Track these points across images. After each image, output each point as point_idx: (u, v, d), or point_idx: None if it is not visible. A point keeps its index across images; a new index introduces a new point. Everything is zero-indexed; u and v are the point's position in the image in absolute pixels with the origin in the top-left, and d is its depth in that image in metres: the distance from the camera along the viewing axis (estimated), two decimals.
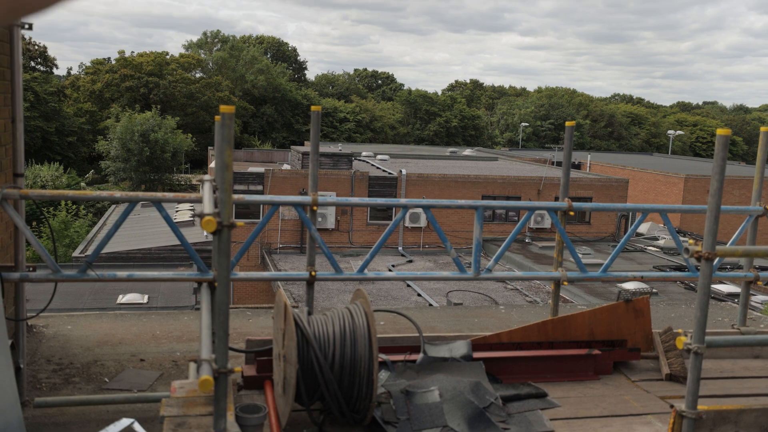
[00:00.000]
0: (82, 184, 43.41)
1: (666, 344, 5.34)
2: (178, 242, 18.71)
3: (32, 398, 5.01)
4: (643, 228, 28.01)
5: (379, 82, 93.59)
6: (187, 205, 26.45)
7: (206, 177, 5.31)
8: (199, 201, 5.22)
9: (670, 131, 67.85)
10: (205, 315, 4.67)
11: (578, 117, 78.01)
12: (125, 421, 4.84)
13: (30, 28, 5.17)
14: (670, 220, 5.97)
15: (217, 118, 5.34)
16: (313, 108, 5.71)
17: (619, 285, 17.57)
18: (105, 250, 17.35)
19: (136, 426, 4.83)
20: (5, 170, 5.06)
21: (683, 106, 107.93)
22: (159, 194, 5.20)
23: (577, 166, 40.39)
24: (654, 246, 25.81)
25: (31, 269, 5.06)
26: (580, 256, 21.81)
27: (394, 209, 25.06)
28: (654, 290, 17.78)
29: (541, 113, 79.65)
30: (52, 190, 5.08)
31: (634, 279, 6.51)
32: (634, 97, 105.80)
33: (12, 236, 5.17)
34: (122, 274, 5.12)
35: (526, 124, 74.49)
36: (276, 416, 4.42)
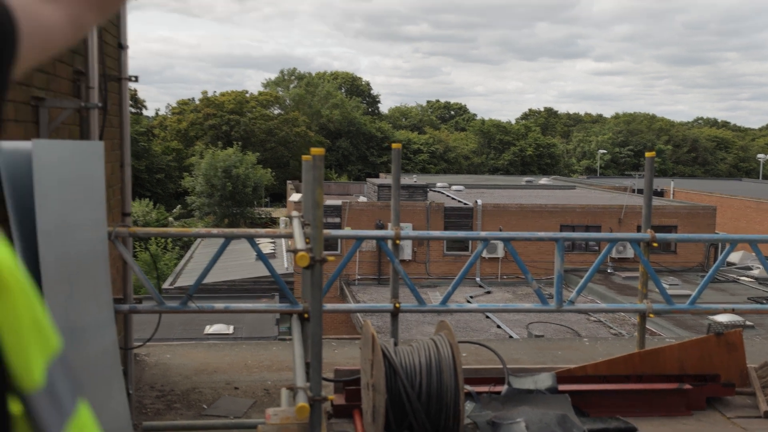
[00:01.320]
0: (170, 218, 45.12)
1: (763, 380, 5.20)
2: (259, 274, 18.96)
3: (140, 422, 5.35)
4: (735, 257, 26.85)
5: (452, 113, 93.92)
6: (264, 239, 27.15)
7: (294, 213, 5.58)
8: (290, 236, 5.50)
9: (760, 155, 65.08)
10: (297, 345, 4.89)
11: (659, 143, 76.10)
12: None
13: (136, 80, 5.61)
14: (761, 251, 5.86)
15: (306, 157, 5.62)
16: (393, 146, 5.94)
17: (711, 317, 16.99)
18: (190, 283, 18.03)
19: None
20: (114, 210, 5.48)
21: None
22: (252, 230, 5.52)
23: (660, 194, 39.30)
24: (748, 276, 24.65)
25: (137, 301, 5.44)
26: (667, 286, 21.17)
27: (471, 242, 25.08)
28: (748, 323, 17.10)
29: (620, 140, 78.13)
30: (157, 228, 5.47)
31: (725, 311, 6.39)
32: (719, 120, 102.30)
33: (120, 271, 5.57)
34: (219, 305, 5.43)
35: (604, 151, 73.21)
36: None
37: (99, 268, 4.34)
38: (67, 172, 3.87)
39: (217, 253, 5.42)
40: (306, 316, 5.17)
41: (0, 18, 0.93)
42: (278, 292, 22.44)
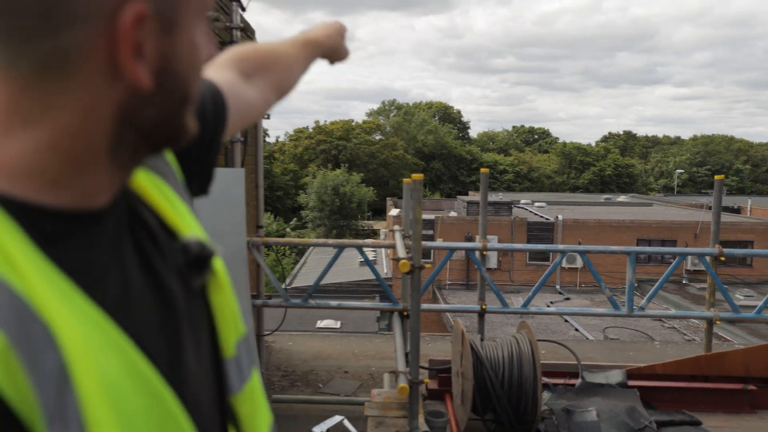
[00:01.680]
0: (288, 229, 46.57)
1: None
2: (361, 278, 19.23)
3: (270, 395, 5.73)
4: None
5: (536, 136, 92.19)
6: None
7: (395, 227, 5.82)
8: (391, 246, 5.75)
9: None
10: (398, 338, 5.12)
11: (737, 162, 71.99)
12: (337, 418, 5.32)
13: (268, 117, 6.04)
14: None
15: (407, 181, 5.87)
16: (482, 170, 6.11)
17: None
18: (305, 284, 18.65)
19: (346, 422, 5.28)
20: (250, 223, 5.92)
21: None
22: (360, 241, 5.81)
23: (737, 210, 37.16)
24: None
25: (268, 297, 5.85)
26: (743, 297, 20.05)
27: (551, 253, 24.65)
28: None
29: (697, 160, 74.36)
30: (286, 238, 5.85)
31: None
32: None
33: (254, 273, 6.01)
34: (333, 303, 5.74)
35: (681, 171, 69.89)
36: (455, 422, 4.72)
37: (240, 269, 4.76)
38: (217, 193, 4.29)
39: (332, 259, 5.74)
40: (405, 313, 5.39)
41: (215, 98, 1.08)
42: (378, 293, 22.81)
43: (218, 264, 0.86)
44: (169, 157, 0.95)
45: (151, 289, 0.77)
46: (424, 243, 5.84)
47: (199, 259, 0.83)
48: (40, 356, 0.62)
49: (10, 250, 0.63)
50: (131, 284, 0.75)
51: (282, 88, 1.31)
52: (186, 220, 0.86)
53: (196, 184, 1.04)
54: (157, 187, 0.86)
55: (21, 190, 0.67)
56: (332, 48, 1.41)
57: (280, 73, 1.29)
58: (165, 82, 0.70)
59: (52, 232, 0.68)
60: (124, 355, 0.68)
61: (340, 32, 1.43)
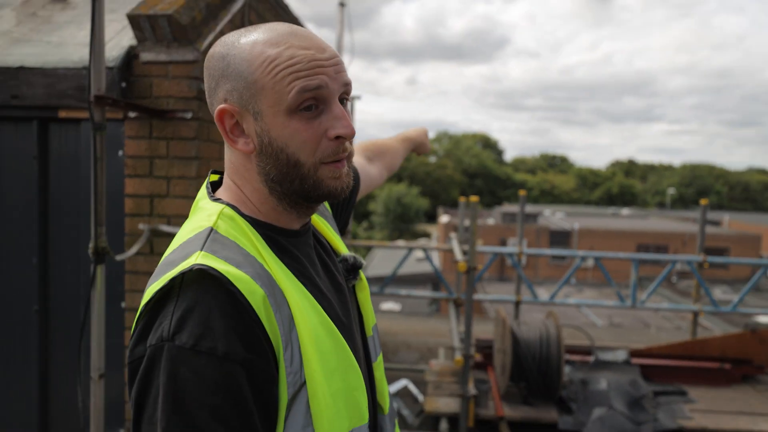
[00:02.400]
0: (359, 231, 46.94)
1: None
2: (415, 271, 18.95)
3: None
4: None
5: (557, 161, 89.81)
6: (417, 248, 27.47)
7: (453, 235, 5.88)
8: (450, 250, 5.80)
9: None
10: (453, 320, 5.15)
11: (717, 185, 68.23)
12: (403, 381, 5.34)
13: None
14: None
15: (463, 198, 5.97)
16: (521, 192, 6.10)
17: (755, 318, 15.16)
18: (374, 274, 18.82)
19: (410, 385, 5.31)
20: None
21: None
22: (425, 245, 5.89)
23: (717, 223, 35.28)
24: None
25: None
26: (721, 293, 18.96)
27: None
28: None
29: (686, 182, 70.88)
30: (369, 241, 6.01)
31: (759, 314, 5.93)
32: (766, 170, 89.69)
33: None
34: (403, 291, 5.85)
35: (673, 191, 66.72)
36: (497, 388, 4.74)
37: None
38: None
39: (402, 258, 5.83)
40: (458, 302, 5.42)
41: (354, 175, 1.20)
42: (431, 283, 22.73)
43: (362, 272, 1.00)
44: (327, 206, 1.14)
45: (330, 281, 0.92)
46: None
47: (353, 268, 0.99)
48: (281, 307, 0.77)
49: (259, 248, 0.81)
50: (320, 276, 0.90)
51: (391, 168, 1.48)
52: (341, 245, 1.03)
53: (338, 228, 1.19)
54: (324, 224, 1.03)
55: (254, 214, 0.86)
56: (420, 143, 1.62)
57: (390, 158, 1.47)
58: (267, 150, 0.82)
59: (277, 241, 0.85)
60: (319, 316, 0.82)
61: (425, 134, 1.64)
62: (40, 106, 2.89)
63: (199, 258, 0.75)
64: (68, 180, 2.90)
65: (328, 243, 1.01)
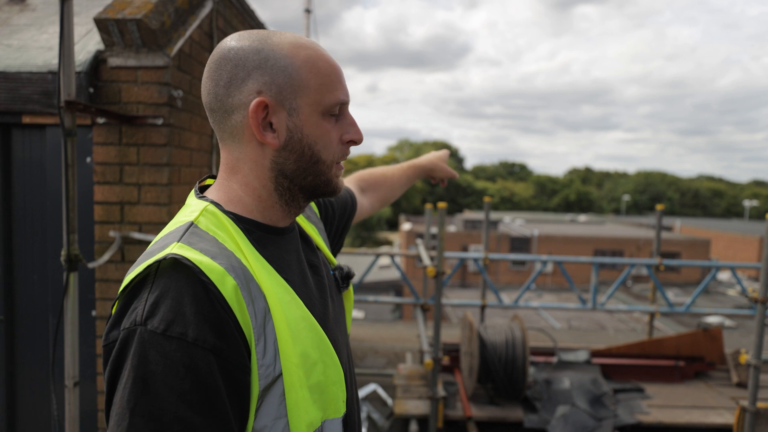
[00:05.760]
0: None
1: (734, 361, 5.12)
2: (379, 279, 19.25)
3: None
4: (726, 276, 25.05)
5: (516, 169, 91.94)
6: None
7: (419, 240, 5.96)
8: (415, 257, 5.87)
9: (745, 201, 59.83)
10: (421, 325, 5.24)
11: (669, 191, 71.38)
12: (372, 386, 5.35)
13: None
14: (736, 274, 5.79)
15: (429, 206, 6.08)
16: (485, 198, 6.22)
17: (705, 319, 16.00)
18: None
19: (379, 389, 5.31)
20: None
21: (758, 183, 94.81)
22: (392, 251, 5.95)
23: (669, 229, 36.92)
24: (734, 290, 23.00)
25: None
26: (672, 296, 19.83)
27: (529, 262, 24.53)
28: (729, 323, 15.94)
29: (639, 189, 73.84)
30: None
31: (710, 314, 6.28)
32: (716, 176, 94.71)
33: None
34: (370, 297, 5.91)
35: (627, 197, 69.37)
36: (464, 389, 4.84)
37: None
38: None
39: (370, 264, 5.91)
40: (425, 307, 5.50)
41: (352, 200, 1.32)
42: (394, 290, 22.70)
43: (351, 282, 1.07)
44: (317, 212, 1.19)
45: (314, 280, 0.97)
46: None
47: (346, 276, 1.07)
48: (257, 300, 0.79)
49: (239, 243, 0.85)
50: (304, 272, 0.93)
51: (385, 200, 1.51)
52: (329, 254, 1.10)
53: (332, 248, 1.26)
54: (313, 230, 1.10)
55: (240, 211, 0.89)
56: (432, 169, 1.58)
57: (385, 190, 1.49)
58: (293, 145, 0.85)
59: (260, 237, 0.89)
60: (300, 310, 0.85)
61: (443, 158, 1.60)
62: (1, 111, 2.83)
63: (175, 248, 0.77)
64: (33, 187, 2.85)
65: (317, 246, 1.06)
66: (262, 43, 0.86)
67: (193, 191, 0.93)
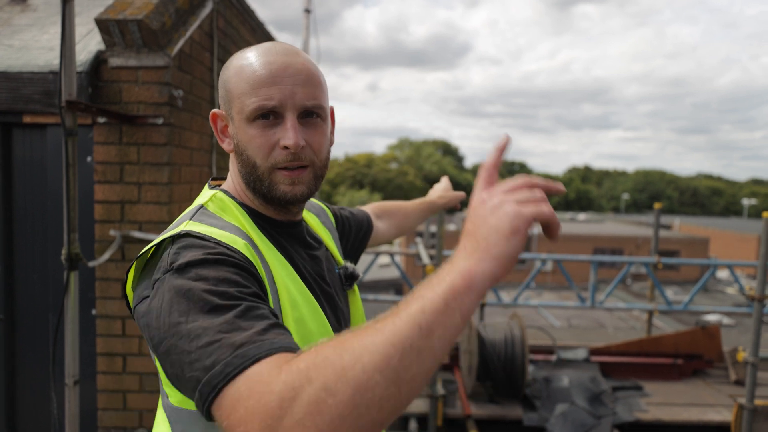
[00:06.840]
0: None
1: (733, 358, 5.13)
2: (378, 278, 19.18)
3: None
4: (724, 274, 25.07)
5: (516, 168, 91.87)
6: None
7: (418, 239, 5.95)
8: (414, 255, 5.86)
9: (744, 200, 59.82)
10: None
11: (668, 189, 71.39)
12: None
13: None
14: (735, 272, 5.79)
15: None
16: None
17: (703, 317, 15.99)
18: None
19: None
20: None
21: (756, 181, 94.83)
22: (393, 249, 5.94)
23: (668, 227, 36.91)
24: (733, 288, 23.04)
25: None
26: (671, 294, 19.88)
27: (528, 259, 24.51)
28: (728, 321, 15.96)
29: (639, 188, 73.84)
30: None
31: (708, 312, 6.27)
32: (715, 175, 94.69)
33: None
34: (370, 296, 5.90)
35: (627, 196, 69.37)
36: (463, 387, 4.84)
37: None
38: None
39: (370, 263, 5.90)
40: None
41: (369, 224, 1.40)
42: (393, 288, 22.73)
43: (357, 282, 1.12)
44: (332, 220, 1.27)
45: (312, 268, 1.00)
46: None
47: (351, 275, 1.10)
48: (263, 263, 0.86)
49: (244, 223, 0.92)
50: (306, 259, 1.00)
51: (400, 228, 1.56)
52: (339, 257, 1.14)
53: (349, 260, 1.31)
54: (324, 232, 1.15)
55: (243, 201, 0.97)
56: (445, 206, 1.68)
57: (400, 219, 1.56)
58: (238, 151, 0.93)
59: (262, 224, 0.96)
60: (297, 284, 0.91)
61: (448, 188, 1.71)
62: (2, 110, 2.83)
63: (187, 225, 0.86)
64: (34, 186, 2.85)
65: (326, 247, 1.10)
66: (230, 60, 0.97)
67: (207, 184, 1.04)
